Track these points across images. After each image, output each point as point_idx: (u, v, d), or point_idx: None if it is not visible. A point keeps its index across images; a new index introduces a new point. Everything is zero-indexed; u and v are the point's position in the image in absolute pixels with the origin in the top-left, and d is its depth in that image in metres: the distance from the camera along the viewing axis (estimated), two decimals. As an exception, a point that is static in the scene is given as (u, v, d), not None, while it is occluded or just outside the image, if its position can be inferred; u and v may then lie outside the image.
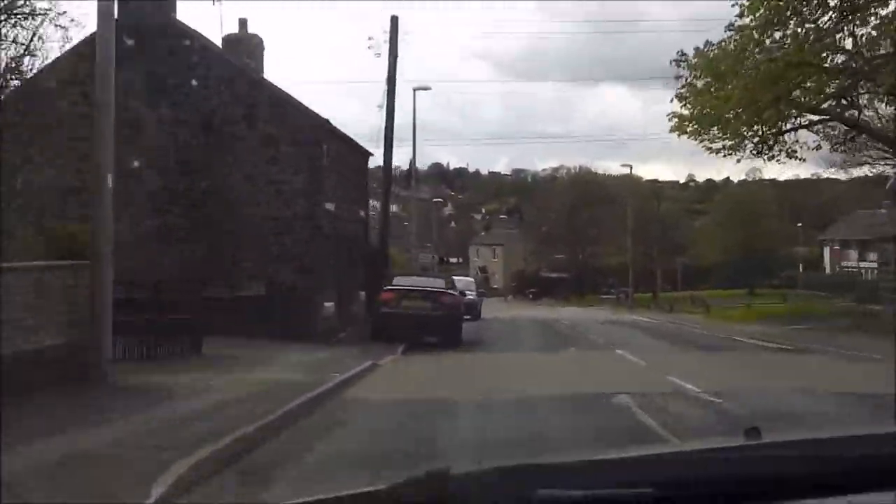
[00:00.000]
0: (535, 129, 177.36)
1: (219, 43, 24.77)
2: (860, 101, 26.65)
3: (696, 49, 26.64)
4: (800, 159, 27.45)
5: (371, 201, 36.40)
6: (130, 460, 7.65)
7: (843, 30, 23.93)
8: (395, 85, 27.64)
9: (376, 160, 30.59)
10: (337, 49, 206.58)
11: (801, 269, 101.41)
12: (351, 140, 27.50)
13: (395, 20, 28.47)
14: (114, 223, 12.51)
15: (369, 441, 10.04)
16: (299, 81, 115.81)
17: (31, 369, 10.87)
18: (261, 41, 26.53)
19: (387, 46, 28.11)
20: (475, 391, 13.63)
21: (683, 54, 26.98)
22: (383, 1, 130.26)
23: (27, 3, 17.39)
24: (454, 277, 44.40)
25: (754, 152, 27.88)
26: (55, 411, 9.89)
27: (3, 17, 16.68)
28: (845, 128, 27.86)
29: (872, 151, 30.90)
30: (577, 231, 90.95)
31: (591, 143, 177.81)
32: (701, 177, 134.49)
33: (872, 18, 23.57)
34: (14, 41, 16.86)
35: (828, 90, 25.97)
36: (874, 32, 23.83)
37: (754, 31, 24.05)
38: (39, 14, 16.94)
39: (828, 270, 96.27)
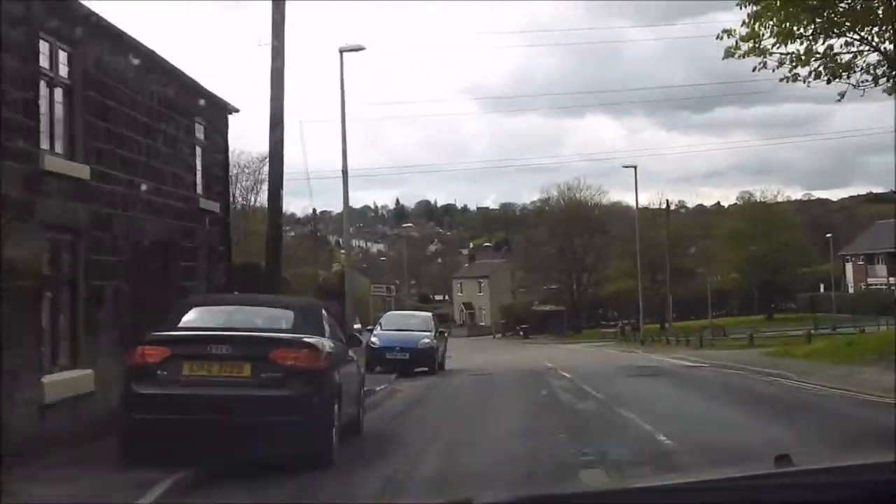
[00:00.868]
0: (522, 161, 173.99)
1: None
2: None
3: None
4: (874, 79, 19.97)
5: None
6: None
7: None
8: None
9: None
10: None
11: (821, 289, 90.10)
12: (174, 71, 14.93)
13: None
14: None
15: None
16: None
17: None
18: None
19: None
20: None
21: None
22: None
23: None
24: (403, 313, 32.42)
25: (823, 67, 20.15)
26: None
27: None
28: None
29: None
30: (572, 258, 79.43)
31: (578, 173, 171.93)
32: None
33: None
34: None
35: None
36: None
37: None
38: None
39: (851, 289, 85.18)
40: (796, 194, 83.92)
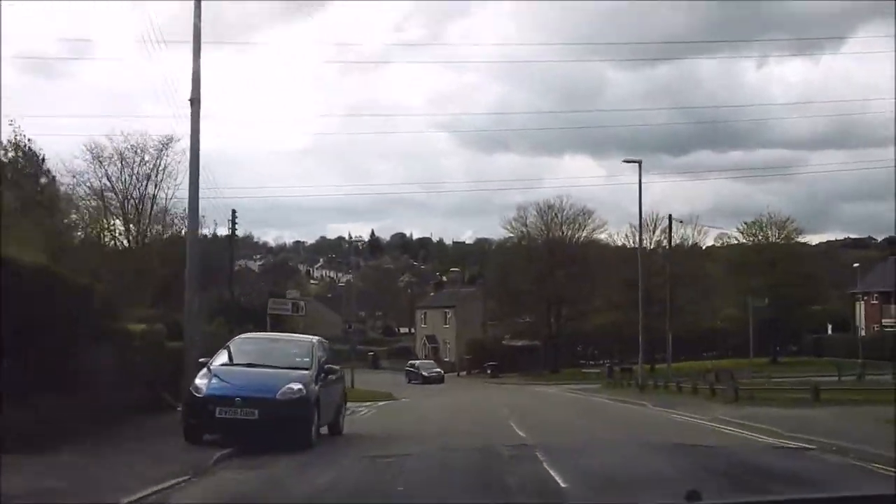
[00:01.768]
0: (500, 200, 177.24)
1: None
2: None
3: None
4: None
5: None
6: None
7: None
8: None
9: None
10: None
11: (829, 330, 79.08)
12: None
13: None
14: None
15: None
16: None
17: None
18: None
19: None
20: None
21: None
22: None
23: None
24: (266, 336, 19.68)
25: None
26: None
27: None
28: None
29: None
30: (551, 286, 68.06)
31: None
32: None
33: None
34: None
35: None
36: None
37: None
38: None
39: (862, 330, 74.38)
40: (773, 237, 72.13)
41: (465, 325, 79.32)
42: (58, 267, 14.92)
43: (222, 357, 14.62)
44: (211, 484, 10.61)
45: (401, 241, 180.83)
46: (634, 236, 63.73)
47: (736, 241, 71.80)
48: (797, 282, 65.93)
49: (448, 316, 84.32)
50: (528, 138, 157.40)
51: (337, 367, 16.65)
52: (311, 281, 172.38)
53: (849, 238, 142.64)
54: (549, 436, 16.55)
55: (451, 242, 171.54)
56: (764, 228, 68.09)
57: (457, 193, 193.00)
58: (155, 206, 34.08)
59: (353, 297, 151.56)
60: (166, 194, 33.66)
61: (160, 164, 33.55)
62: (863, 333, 73.29)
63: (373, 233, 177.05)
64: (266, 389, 13.37)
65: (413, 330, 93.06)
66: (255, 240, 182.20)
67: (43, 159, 27.27)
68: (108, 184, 33.38)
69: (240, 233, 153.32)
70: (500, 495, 9.34)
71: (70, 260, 21.62)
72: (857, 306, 76.26)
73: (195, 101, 18.76)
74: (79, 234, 31.69)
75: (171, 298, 26.69)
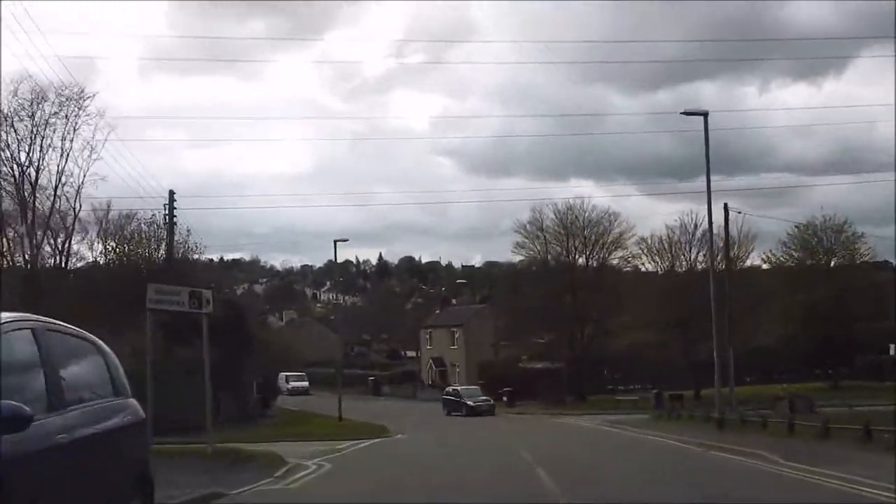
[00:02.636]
0: (507, 224, 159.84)
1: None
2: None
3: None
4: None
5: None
6: None
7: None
8: None
9: None
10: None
11: (892, 351, 68.63)
12: None
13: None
14: None
15: None
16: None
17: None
18: None
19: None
20: None
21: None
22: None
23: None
24: None
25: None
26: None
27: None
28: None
29: None
30: (572, 302, 58.36)
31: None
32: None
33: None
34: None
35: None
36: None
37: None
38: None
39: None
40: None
41: (474, 345, 69.47)
42: None
43: None
44: None
45: (409, 264, 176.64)
46: (670, 242, 53.89)
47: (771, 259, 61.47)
48: (860, 295, 55.91)
49: (456, 336, 74.40)
50: (532, 163, 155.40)
51: (120, 401, 6.71)
52: (318, 304, 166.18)
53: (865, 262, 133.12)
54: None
55: (460, 266, 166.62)
56: (818, 232, 58.00)
57: (464, 218, 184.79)
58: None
59: (355, 319, 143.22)
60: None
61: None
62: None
63: (380, 256, 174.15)
64: None
65: (418, 353, 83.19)
66: (262, 263, 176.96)
67: None
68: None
69: (246, 257, 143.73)
70: None
71: None
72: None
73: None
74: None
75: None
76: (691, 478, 15.32)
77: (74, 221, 30.44)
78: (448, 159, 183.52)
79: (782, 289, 57.57)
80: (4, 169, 25.94)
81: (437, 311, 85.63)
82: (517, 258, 59.91)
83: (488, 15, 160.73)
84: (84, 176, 28.20)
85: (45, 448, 5.14)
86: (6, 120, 26.20)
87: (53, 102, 27.44)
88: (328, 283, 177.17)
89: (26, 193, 26.57)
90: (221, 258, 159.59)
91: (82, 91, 26.67)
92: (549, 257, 58.90)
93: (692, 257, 53.16)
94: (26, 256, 28.44)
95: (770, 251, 58.39)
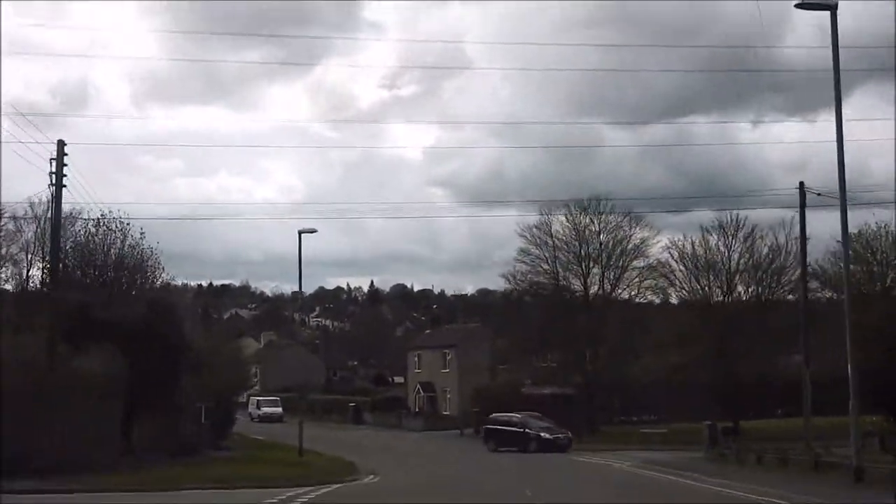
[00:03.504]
0: (499, 256, 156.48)
1: None
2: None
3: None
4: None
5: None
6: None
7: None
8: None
9: None
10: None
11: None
12: None
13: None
14: None
15: None
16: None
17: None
18: None
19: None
20: None
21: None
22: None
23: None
24: None
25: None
26: None
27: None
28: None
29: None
30: (584, 321, 49.35)
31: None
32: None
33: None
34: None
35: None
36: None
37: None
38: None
39: None
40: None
41: (468, 369, 60.13)
42: None
43: None
44: None
45: (401, 292, 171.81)
46: (705, 247, 44.81)
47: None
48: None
49: (448, 358, 64.95)
50: (526, 195, 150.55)
51: None
52: (307, 330, 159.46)
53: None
54: None
55: (451, 294, 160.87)
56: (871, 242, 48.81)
57: (456, 249, 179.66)
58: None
59: (342, 344, 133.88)
60: None
61: None
62: None
63: (372, 283, 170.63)
64: None
65: (405, 379, 73.66)
66: (253, 290, 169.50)
67: None
68: None
69: (236, 282, 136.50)
70: None
71: None
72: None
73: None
74: None
75: None
76: None
77: None
78: (441, 189, 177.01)
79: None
80: None
81: (427, 332, 76.09)
82: (520, 268, 50.72)
83: (481, 49, 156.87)
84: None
85: None
86: None
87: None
88: (317, 308, 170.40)
89: None
90: (210, 283, 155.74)
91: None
92: (557, 266, 49.76)
93: (733, 263, 44.02)
94: None
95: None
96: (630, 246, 48.30)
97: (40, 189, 29.87)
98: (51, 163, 23.58)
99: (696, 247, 44.37)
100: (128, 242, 29.34)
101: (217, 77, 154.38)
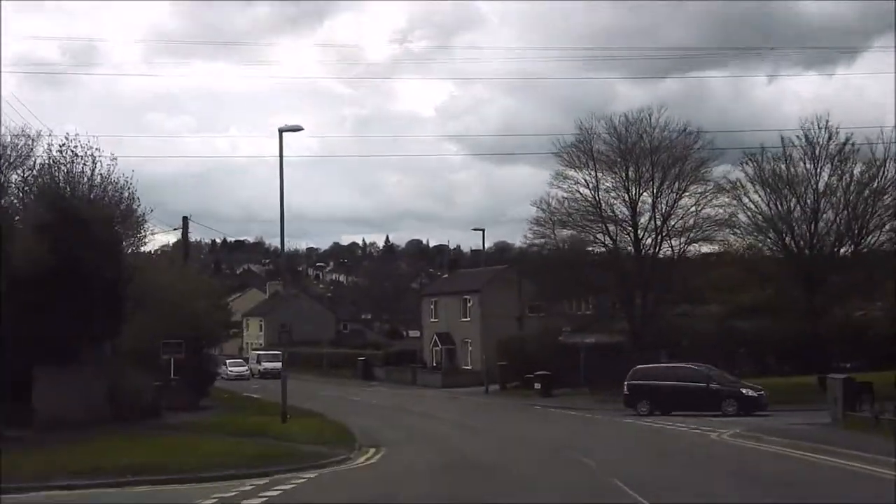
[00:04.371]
0: (514, 212, 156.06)
1: None
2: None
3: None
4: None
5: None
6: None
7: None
8: None
9: None
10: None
11: None
12: None
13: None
14: None
15: None
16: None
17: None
18: None
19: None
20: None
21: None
22: None
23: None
24: None
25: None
26: None
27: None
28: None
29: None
30: (635, 258, 41.03)
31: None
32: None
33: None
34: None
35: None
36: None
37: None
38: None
39: None
40: None
41: (493, 318, 51.90)
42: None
43: None
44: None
45: (417, 247, 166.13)
46: (787, 159, 36.10)
47: None
48: None
49: (469, 305, 56.67)
50: (540, 150, 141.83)
51: None
52: (320, 285, 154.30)
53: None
54: None
55: (469, 250, 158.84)
56: None
57: (471, 206, 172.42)
58: None
59: (355, 297, 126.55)
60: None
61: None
62: None
63: (387, 239, 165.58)
64: None
65: (420, 330, 65.54)
66: (267, 246, 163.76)
67: None
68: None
69: (251, 238, 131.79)
70: None
71: None
72: None
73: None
74: None
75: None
76: None
77: None
78: (455, 146, 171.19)
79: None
80: None
81: (445, 276, 67.67)
82: (555, 194, 42.16)
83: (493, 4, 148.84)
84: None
85: None
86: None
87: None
88: (331, 263, 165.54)
89: None
90: (224, 240, 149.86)
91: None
92: (599, 193, 41.24)
93: (821, 183, 35.22)
94: None
95: None
96: (688, 167, 39.62)
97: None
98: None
99: (774, 164, 35.62)
100: (97, 170, 24.77)
101: (225, 33, 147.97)
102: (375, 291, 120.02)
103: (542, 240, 42.16)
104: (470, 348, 55.97)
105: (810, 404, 27.97)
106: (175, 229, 38.74)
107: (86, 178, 24.82)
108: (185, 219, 39.00)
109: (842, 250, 35.77)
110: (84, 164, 24.42)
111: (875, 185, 35.00)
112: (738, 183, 36.22)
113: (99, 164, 24.71)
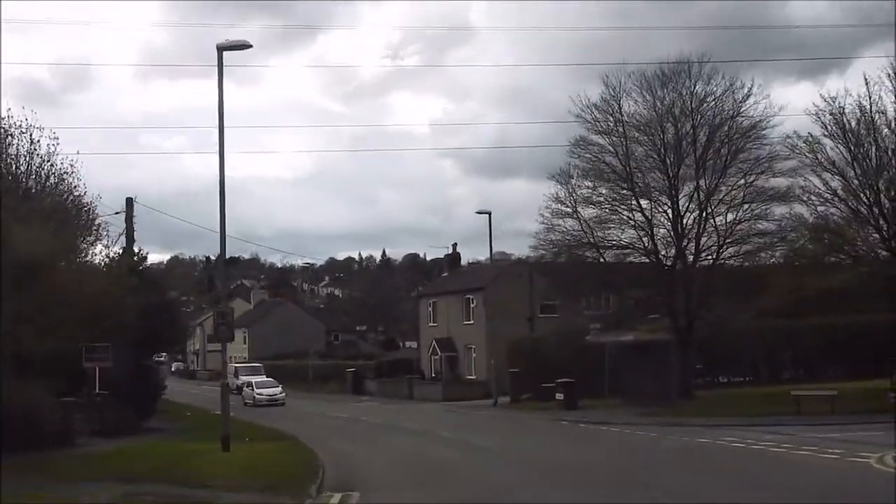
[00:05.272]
0: (509, 226, 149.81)
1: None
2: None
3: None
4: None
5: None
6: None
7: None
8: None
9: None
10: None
11: None
12: None
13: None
14: None
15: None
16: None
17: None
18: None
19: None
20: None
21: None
22: None
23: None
24: None
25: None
26: None
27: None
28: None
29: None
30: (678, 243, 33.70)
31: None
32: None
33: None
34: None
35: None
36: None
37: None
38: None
39: None
40: None
41: (502, 316, 44.35)
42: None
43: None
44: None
45: (413, 261, 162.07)
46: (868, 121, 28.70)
47: None
48: None
49: (473, 305, 49.07)
50: (533, 163, 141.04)
51: None
52: (315, 299, 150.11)
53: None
54: None
55: (466, 263, 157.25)
56: None
57: (466, 220, 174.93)
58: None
59: (349, 309, 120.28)
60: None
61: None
62: None
63: (384, 253, 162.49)
64: None
65: (418, 336, 57.65)
66: (262, 262, 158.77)
67: None
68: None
69: (246, 256, 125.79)
70: None
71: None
72: None
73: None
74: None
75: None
76: None
77: None
78: (450, 161, 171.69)
79: None
80: None
81: (444, 275, 59.99)
82: (575, 163, 34.77)
83: (485, 17, 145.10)
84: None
85: None
86: None
87: None
88: (326, 278, 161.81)
89: None
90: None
91: None
92: (630, 162, 33.87)
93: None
94: None
95: None
96: (743, 125, 32.25)
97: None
98: None
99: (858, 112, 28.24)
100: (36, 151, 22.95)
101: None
102: (371, 301, 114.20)
103: (561, 220, 34.66)
104: (474, 355, 48.32)
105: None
106: (117, 213, 31.91)
107: (22, 159, 22.96)
108: (129, 200, 32.59)
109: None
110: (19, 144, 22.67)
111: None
112: (809, 137, 28.75)
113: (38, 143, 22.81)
